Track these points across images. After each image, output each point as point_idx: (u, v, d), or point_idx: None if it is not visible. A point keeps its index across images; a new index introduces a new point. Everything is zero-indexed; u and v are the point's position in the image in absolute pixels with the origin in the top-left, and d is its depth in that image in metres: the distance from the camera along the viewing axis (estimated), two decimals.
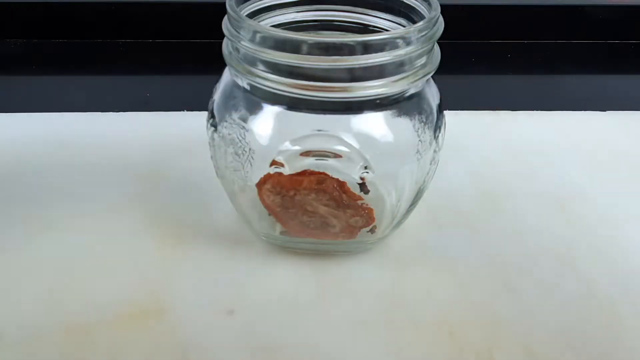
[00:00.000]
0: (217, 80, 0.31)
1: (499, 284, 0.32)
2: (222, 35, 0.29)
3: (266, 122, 0.29)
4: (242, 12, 0.28)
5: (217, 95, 0.31)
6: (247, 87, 0.29)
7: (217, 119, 0.30)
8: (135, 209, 0.36)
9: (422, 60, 0.28)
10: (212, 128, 0.30)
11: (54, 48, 0.52)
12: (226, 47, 0.29)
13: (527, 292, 0.32)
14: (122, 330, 0.29)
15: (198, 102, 0.45)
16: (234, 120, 0.29)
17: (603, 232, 0.36)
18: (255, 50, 0.26)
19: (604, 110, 0.47)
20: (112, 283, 0.31)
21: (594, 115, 0.47)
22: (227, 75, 0.30)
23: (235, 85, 0.29)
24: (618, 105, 0.47)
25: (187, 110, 0.45)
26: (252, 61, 0.27)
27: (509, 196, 0.38)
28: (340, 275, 0.32)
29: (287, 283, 0.32)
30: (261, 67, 0.27)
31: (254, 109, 0.29)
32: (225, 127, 0.30)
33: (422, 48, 0.27)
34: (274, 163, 0.29)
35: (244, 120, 0.29)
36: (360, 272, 0.32)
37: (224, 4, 0.28)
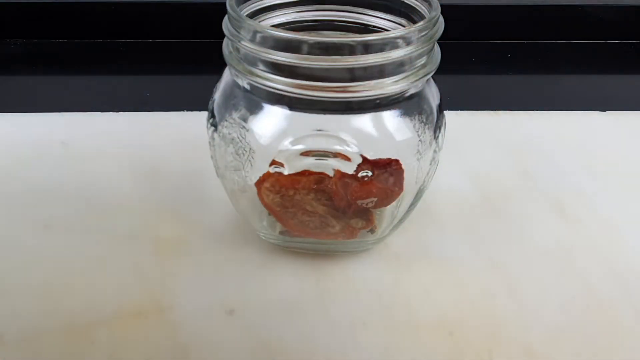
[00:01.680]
0: (217, 80, 0.31)
1: (498, 284, 0.32)
2: (222, 35, 0.29)
3: (266, 121, 0.29)
4: (242, 12, 0.28)
5: (217, 95, 0.31)
6: (247, 87, 0.29)
7: (217, 119, 0.30)
8: (134, 209, 0.36)
9: (422, 60, 0.28)
10: (212, 128, 0.30)
11: (53, 48, 0.52)
12: (226, 46, 0.29)
13: (527, 293, 0.32)
14: (122, 330, 0.29)
15: (197, 101, 0.45)
16: (234, 120, 0.29)
17: (603, 232, 0.36)
18: (256, 50, 0.26)
19: (604, 111, 0.47)
20: (112, 283, 0.31)
21: (594, 116, 0.46)
22: (227, 75, 0.30)
23: (236, 85, 0.29)
24: (618, 105, 0.47)
25: (187, 110, 0.45)
26: (253, 61, 0.27)
27: (509, 196, 0.38)
28: (340, 275, 0.32)
29: (287, 283, 0.32)
30: (261, 67, 0.27)
31: (254, 108, 0.29)
32: (226, 127, 0.29)
33: (422, 48, 0.27)
34: (273, 163, 0.29)
35: (244, 119, 0.29)
36: (360, 272, 0.32)
37: (223, 4, 0.28)
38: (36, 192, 0.37)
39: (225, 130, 0.30)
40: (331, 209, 0.30)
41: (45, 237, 0.34)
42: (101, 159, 0.40)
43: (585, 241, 0.35)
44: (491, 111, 0.46)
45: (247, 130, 0.29)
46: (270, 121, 0.29)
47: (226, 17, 0.28)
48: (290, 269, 0.32)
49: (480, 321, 0.30)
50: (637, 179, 0.40)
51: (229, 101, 0.30)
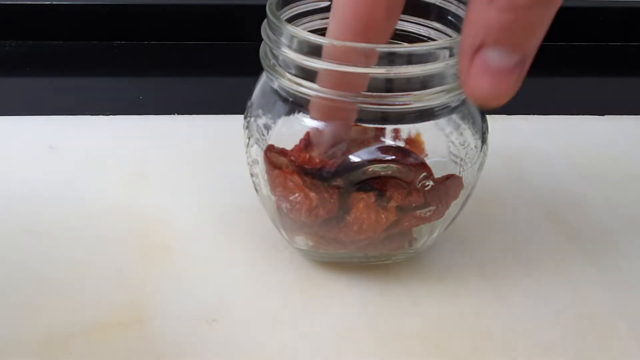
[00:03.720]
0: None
1: (488, 294, 0.31)
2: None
3: (300, 128, 0.28)
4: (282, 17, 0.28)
5: (254, 96, 0.30)
6: (283, 93, 0.28)
7: (251, 118, 0.30)
8: (120, 215, 0.35)
9: None
10: (246, 124, 0.30)
11: (47, 49, 0.51)
12: (263, 50, 0.28)
13: (518, 304, 0.31)
14: (100, 342, 0.28)
15: (191, 105, 0.44)
16: (267, 121, 0.29)
17: (597, 241, 0.35)
18: (294, 56, 0.26)
19: (602, 115, 0.46)
20: (93, 292, 0.31)
21: (591, 120, 0.46)
22: (264, 78, 0.30)
23: (272, 89, 0.29)
24: (617, 109, 0.46)
25: (178, 114, 0.45)
26: (291, 67, 0.26)
27: (501, 203, 0.37)
28: (325, 285, 0.31)
29: (271, 292, 0.31)
30: (299, 73, 0.26)
31: (288, 113, 0.28)
32: (257, 130, 0.29)
33: None
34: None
35: (275, 123, 0.28)
36: (346, 281, 0.32)
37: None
38: (21, 197, 0.36)
39: (256, 134, 0.29)
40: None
41: (26, 243, 0.33)
42: (89, 163, 0.39)
43: (578, 249, 0.34)
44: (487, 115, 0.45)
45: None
46: (304, 128, 0.28)
47: (265, 21, 0.27)
48: (274, 279, 0.32)
49: (469, 334, 0.29)
50: (634, 185, 0.39)
51: (265, 104, 0.29)
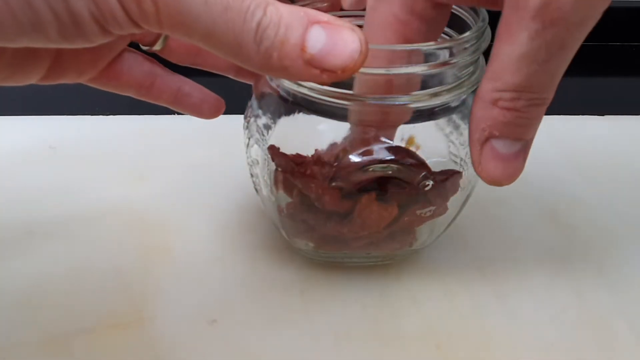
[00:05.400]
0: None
1: (488, 294, 0.31)
2: None
3: (300, 128, 0.28)
4: None
5: (254, 96, 0.30)
6: (283, 93, 0.28)
7: (251, 118, 0.30)
8: (120, 215, 0.35)
9: (467, 72, 0.27)
10: (246, 124, 0.30)
11: None
12: None
13: (518, 304, 0.31)
14: (101, 342, 0.28)
15: None
16: (267, 121, 0.29)
17: (598, 241, 0.35)
18: None
19: (602, 115, 0.46)
20: (93, 292, 0.31)
21: (591, 120, 0.46)
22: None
23: (272, 90, 0.29)
24: (617, 109, 0.46)
25: (177, 114, 0.45)
26: None
27: (501, 204, 0.37)
28: (325, 285, 0.31)
29: (271, 292, 0.31)
30: None
31: (288, 113, 0.28)
32: (257, 130, 0.29)
33: (466, 60, 0.26)
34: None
35: (275, 123, 0.28)
36: (345, 282, 0.32)
37: None
38: (22, 197, 0.36)
39: (257, 135, 0.29)
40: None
41: (27, 243, 0.33)
42: (90, 163, 0.39)
43: (578, 249, 0.34)
44: None
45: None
46: (305, 129, 0.28)
47: None
48: (274, 279, 0.32)
49: (469, 334, 0.29)
50: (634, 185, 0.39)
51: (265, 104, 0.29)
